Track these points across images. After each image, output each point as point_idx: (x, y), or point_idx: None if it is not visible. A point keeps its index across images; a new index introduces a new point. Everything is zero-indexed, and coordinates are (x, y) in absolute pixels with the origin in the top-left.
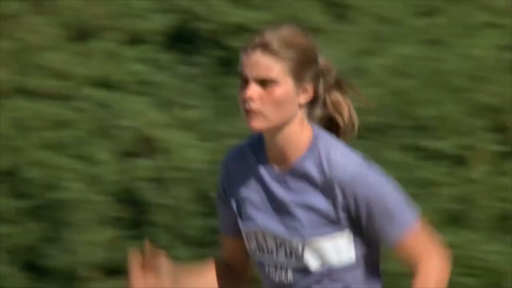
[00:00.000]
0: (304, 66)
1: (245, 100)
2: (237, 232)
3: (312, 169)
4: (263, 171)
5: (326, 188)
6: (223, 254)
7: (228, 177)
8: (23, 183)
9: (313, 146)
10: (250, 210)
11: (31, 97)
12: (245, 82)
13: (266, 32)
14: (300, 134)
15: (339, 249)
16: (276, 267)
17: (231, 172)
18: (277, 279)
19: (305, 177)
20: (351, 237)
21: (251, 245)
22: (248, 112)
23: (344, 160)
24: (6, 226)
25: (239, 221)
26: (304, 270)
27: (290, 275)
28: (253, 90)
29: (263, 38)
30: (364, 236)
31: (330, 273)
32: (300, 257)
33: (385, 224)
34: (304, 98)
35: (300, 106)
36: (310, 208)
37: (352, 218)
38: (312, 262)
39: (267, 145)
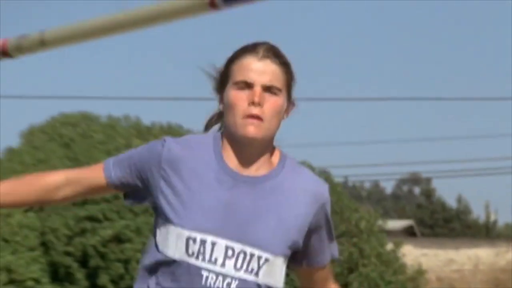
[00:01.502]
0: (292, 84)
1: (254, 104)
2: (116, 184)
3: (292, 182)
4: (225, 172)
5: (308, 202)
6: (70, 177)
7: (172, 160)
8: None
9: (284, 160)
10: (200, 210)
11: None
12: (246, 87)
13: (267, 44)
14: (272, 148)
15: (282, 272)
16: (217, 276)
17: (178, 156)
18: (214, 286)
19: (284, 189)
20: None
21: (188, 247)
22: (252, 118)
23: (322, 181)
24: None
25: (173, 215)
26: (251, 283)
27: (233, 286)
28: (262, 95)
29: (271, 49)
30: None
31: None
32: (254, 272)
33: (328, 245)
34: (286, 114)
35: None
36: (284, 220)
37: (308, 234)
38: (264, 279)
39: (238, 150)
